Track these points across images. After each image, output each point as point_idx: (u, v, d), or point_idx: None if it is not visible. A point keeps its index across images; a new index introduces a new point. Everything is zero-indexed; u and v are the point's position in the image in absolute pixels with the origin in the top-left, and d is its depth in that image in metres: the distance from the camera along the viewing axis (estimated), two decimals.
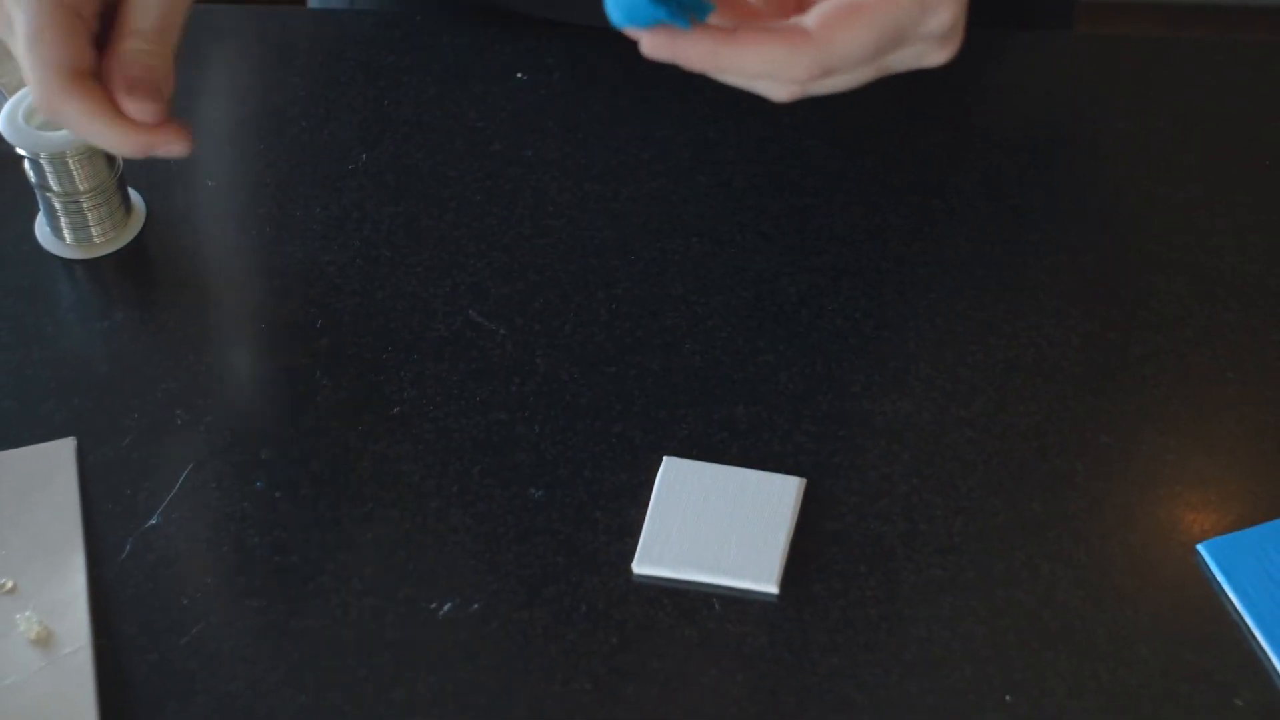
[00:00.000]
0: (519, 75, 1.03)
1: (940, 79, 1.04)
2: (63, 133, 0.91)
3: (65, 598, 0.80)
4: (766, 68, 0.74)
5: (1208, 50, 1.07)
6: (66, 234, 0.94)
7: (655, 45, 0.73)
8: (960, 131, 1.01)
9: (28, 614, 0.80)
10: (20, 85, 0.99)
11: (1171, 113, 1.02)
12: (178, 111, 1.02)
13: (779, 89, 0.75)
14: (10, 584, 0.81)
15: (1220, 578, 0.80)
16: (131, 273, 0.94)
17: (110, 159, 0.93)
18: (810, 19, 0.73)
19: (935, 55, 0.77)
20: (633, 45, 1.04)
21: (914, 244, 0.94)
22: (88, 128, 0.78)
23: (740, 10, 0.76)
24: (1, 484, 0.85)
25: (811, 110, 1.01)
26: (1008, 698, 0.77)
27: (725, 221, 0.95)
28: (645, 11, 0.72)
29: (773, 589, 0.80)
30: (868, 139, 1.00)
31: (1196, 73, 1.05)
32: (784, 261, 0.93)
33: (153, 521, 0.83)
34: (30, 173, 0.93)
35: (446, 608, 0.80)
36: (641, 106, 1.02)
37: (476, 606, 0.80)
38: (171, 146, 0.78)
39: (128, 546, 0.82)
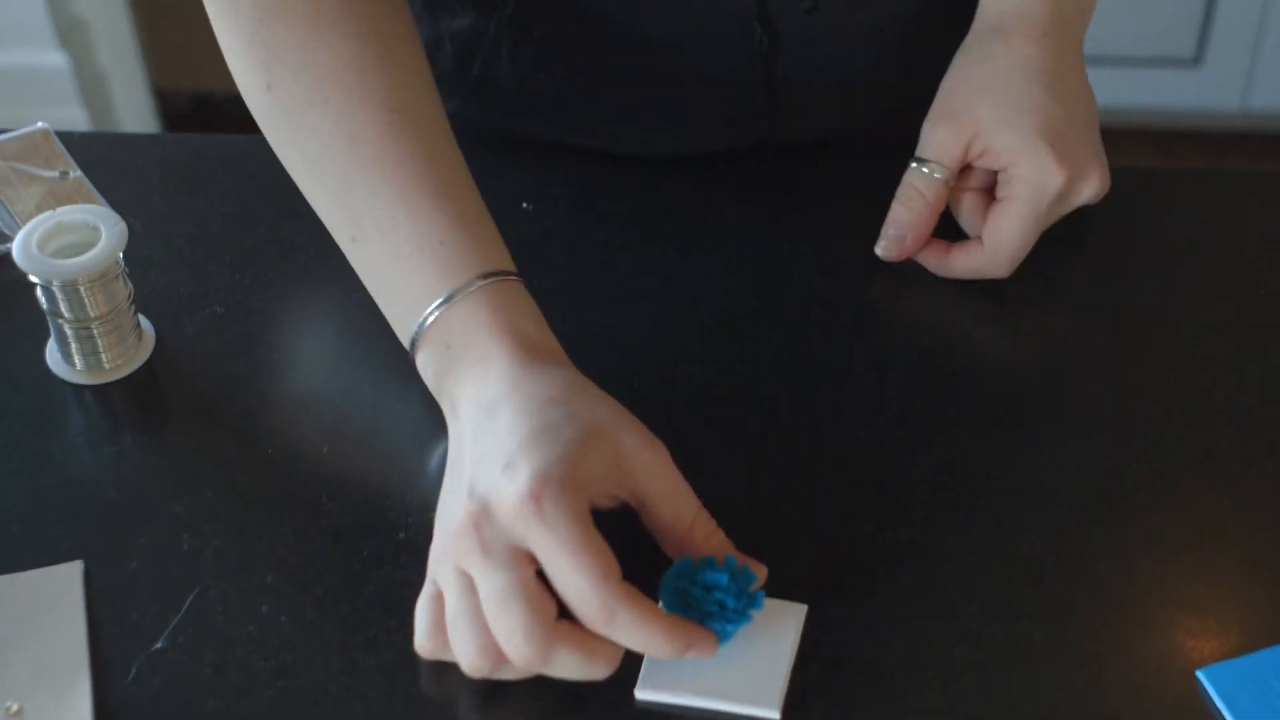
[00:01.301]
0: (525, 205, 1.05)
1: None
2: (75, 260, 0.92)
3: None
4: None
5: (1202, 180, 1.09)
6: (77, 359, 0.95)
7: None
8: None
9: None
10: (35, 213, 1.00)
11: (1166, 243, 1.04)
12: (184, 237, 1.04)
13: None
14: (16, 707, 0.81)
15: (1220, 704, 0.80)
16: (140, 398, 0.95)
17: (123, 286, 0.94)
18: (985, 231, 0.99)
19: (1082, 193, 0.99)
20: (638, 173, 1.06)
21: (916, 374, 0.96)
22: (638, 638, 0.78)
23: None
24: (8, 607, 0.85)
25: (811, 244, 1.03)
26: None
27: (728, 350, 0.97)
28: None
29: (775, 715, 0.80)
30: (866, 271, 1.01)
31: (1190, 202, 1.06)
32: (785, 389, 0.94)
33: (159, 645, 0.84)
34: (42, 299, 0.94)
35: None
36: (645, 236, 1.04)
37: None
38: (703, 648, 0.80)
39: (134, 670, 0.83)
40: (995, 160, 0.98)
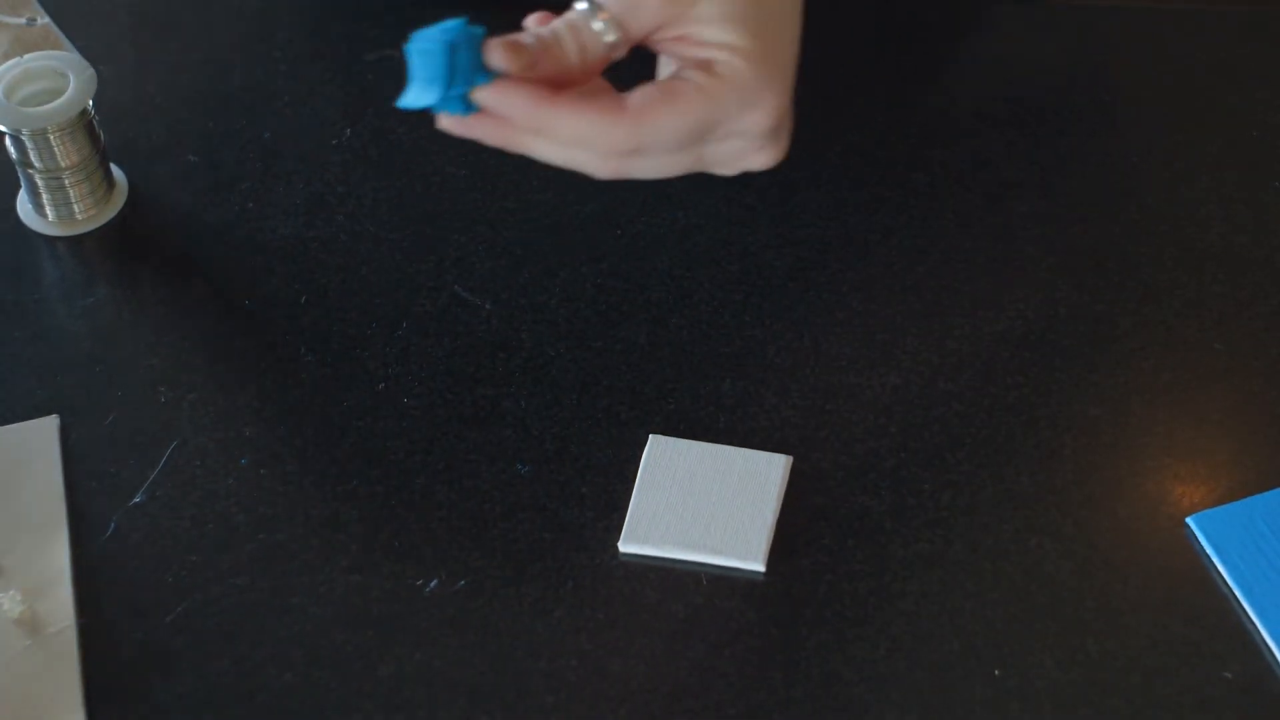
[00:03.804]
0: None
1: (924, 51, 1.04)
2: (44, 108, 0.90)
3: (49, 577, 0.80)
4: (582, 133, 0.75)
5: (1191, 20, 1.06)
6: (49, 210, 0.94)
7: (479, 97, 0.74)
8: (946, 106, 1.00)
9: (12, 594, 0.79)
10: (1, 61, 0.98)
11: (1155, 84, 1.01)
12: (156, 85, 1.02)
13: (596, 162, 0.76)
14: None
15: (1209, 550, 0.80)
16: (114, 249, 0.94)
17: (93, 135, 0.93)
18: (631, 96, 0.75)
19: (757, 157, 0.79)
20: None
21: (900, 217, 0.94)
22: None
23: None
24: None
25: (799, 87, 1.01)
26: (996, 671, 0.77)
27: (711, 195, 0.95)
28: (439, 84, 0.73)
29: (760, 566, 0.80)
30: (854, 113, 1.00)
31: (1180, 43, 1.04)
32: (770, 235, 0.93)
33: (137, 500, 0.83)
34: (11, 149, 0.92)
35: (432, 584, 0.80)
36: (627, 80, 1.01)
37: (463, 583, 0.80)
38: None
39: (111, 525, 0.82)
40: (691, 51, 0.76)
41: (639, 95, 0.75)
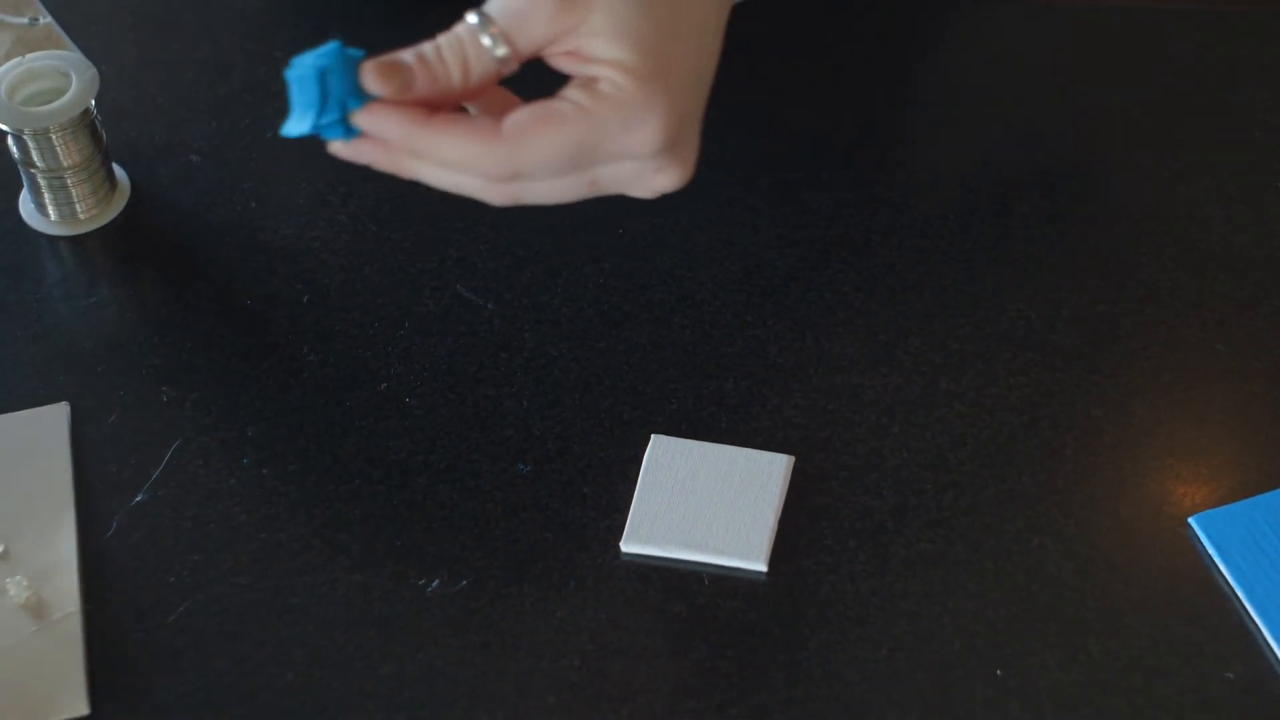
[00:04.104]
0: None
1: (925, 51, 1.04)
2: (47, 108, 0.90)
3: (55, 562, 0.80)
4: (457, 156, 0.73)
5: (1191, 20, 1.06)
6: (51, 210, 0.94)
7: (357, 121, 0.72)
8: (947, 106, 1.00)
9: (18, 579, 0.79)
10: (3, 60, 0.98)
11: (1158, 84, 1.01)
12: (158, 84, 1.02)
13: (482, 187, 0.74)
14: (1, 547, 0.81)
15: (1211, 550, 0.80)
16: (116, 249, 0.94)
17: (95, 134, 0.93)
18: (509, 118, 0.72)
19: (657, 179, 0.75)
20: None
21: (902, 217, 0.94)
22: None
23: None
24: None
25: (800, 87, 1.01)
26: (998, 671, 0.77)
27: (713, 195, 0.95)
28: (313, 110, 0.72)
29: (761, 566, 0.80)
30: (856, 113, 1.00)
31: (1181, 43, 1.04)
32: (772, 235, 0.93)
33: (139, 498, 0.83)
34: (14, 148, 0.92)
35: (434, 584, 0.80)
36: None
37: (465, 583, 0.80)
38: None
39: (114, 524, 0.82)
40: (579, 67, 0.73)
41: (515, 117, 0.72)
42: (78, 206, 0.94)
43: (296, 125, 0.73)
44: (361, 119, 0.72)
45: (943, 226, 0.94)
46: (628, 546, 0.81)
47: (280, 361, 0.88)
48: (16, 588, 0.79)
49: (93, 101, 0.91)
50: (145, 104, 1.01)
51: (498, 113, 0.73)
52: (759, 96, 1.00)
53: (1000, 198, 0.96)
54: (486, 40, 0.72)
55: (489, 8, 0.72)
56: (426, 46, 0.73)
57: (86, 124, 0.92)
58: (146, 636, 0.78)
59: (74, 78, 0.91)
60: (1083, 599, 0.79)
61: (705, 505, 0.81)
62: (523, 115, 0.72)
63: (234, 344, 0.89)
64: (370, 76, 0.72)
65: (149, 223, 0.95)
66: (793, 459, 0.83)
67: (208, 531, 0.82)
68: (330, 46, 0.72)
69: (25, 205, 0.95)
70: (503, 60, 0.72)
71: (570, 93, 0.72)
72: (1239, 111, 1.00)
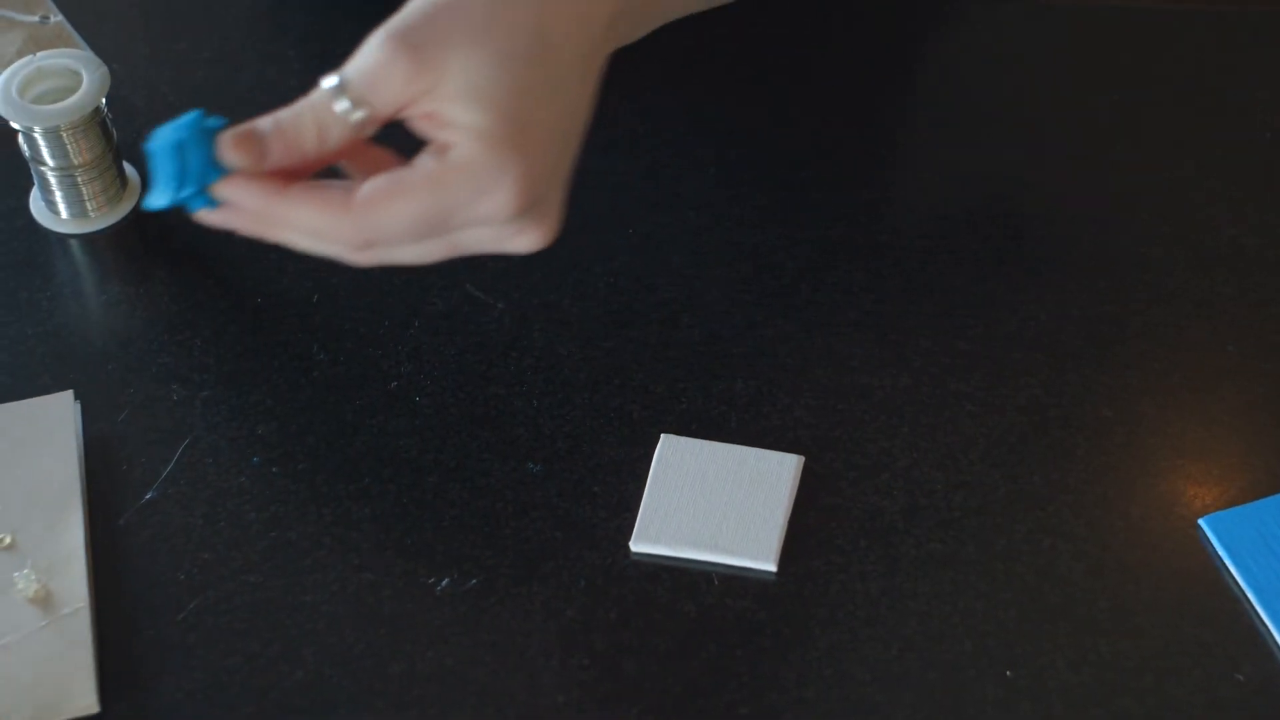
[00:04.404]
0: None
1: (932, 51, 1.04)
2: (57, 106, 0.90)
3: (63, 555, 0.80)
4: (313, 228, 0.73)
5: (1201, 20, 1.06)
6: (61, 208, 0.94)
7: (216, 192, 0.73)
8: (954, 106, 1.00)
9: (26, 572, 0.79)
10: (14, 59, 0.98)
11: (1165, 85, 1.01)
12: (168, 82, 1.02)
13: (342, 252, 0.75)
14: (8, 539, 0.81)
15: (1221, 552, 0.80)
16: (127, 247, 0.94)
17: (106, 132, 0.93)
18: (362, 188, 0.72)
19: (515, 241, 0.74)
20: None
21: (910, 217, 0.94)
22: None
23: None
24: (0, 437, 0.84)
25: (807, 86, 1.01)
26: (1008, 672, 0.77)
27: (722, 195, 0.95)
28: (172, 184, 0.73)
29: (771, 566, 0.80)
30: (865, 113, 1.00)
31: (1190, 44, 1.04)
32: (781, 235, 0.93)
33: (149, 496, 0.83)
34: (24, 146, 0.92)
35: (444, 583, 0.80)
36: (636, 80, 1.01)
37: (474, 582, 0.80)
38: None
39: (123, 521, 0.82)
40: (436, 131, 0.72)
41: (367, 188, 0.72)
42: (88, 204, 0.94)
43: (157, 198, 0.74)
44: (220, 191, 0.73)
45: (951, 227, 0.94)
46: (637, 546, 0.81)
47: (290, 360, 0.88)
48: (24, 581, 0.79)
49: (103, 100, 0.91)
50: (156, 102, 1.01)
51: (370, 171, 0.73)
52: (765, 97, 1.00)
53: (1008, 198, 0.96)
54: (342, 105, 0.72)
55: (346, 70, 0.72)
56: (284, 114, 0.73)
57: (97, 122, 0.92)
58: (156, 633, 0.78)
59: (85, 76, 0.91)
60: (1093, 600, 0.79)
61: (715, 505, 0.81)
62: (374, 186, 0.72)
63: (244, 342, 0.89)
64: (226, 149, 0.73)
65: (159, 221, 0.95)
66: (802, 459, 0.83)
67: (218, 529, 0.82)
68: (188, 118, 0.73)
69: (36, 203, 0.95)
70: (359, 124, 0.72)
71: (423, 160, 0.72)
72: (1247, 112, 1.00)
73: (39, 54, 0.93)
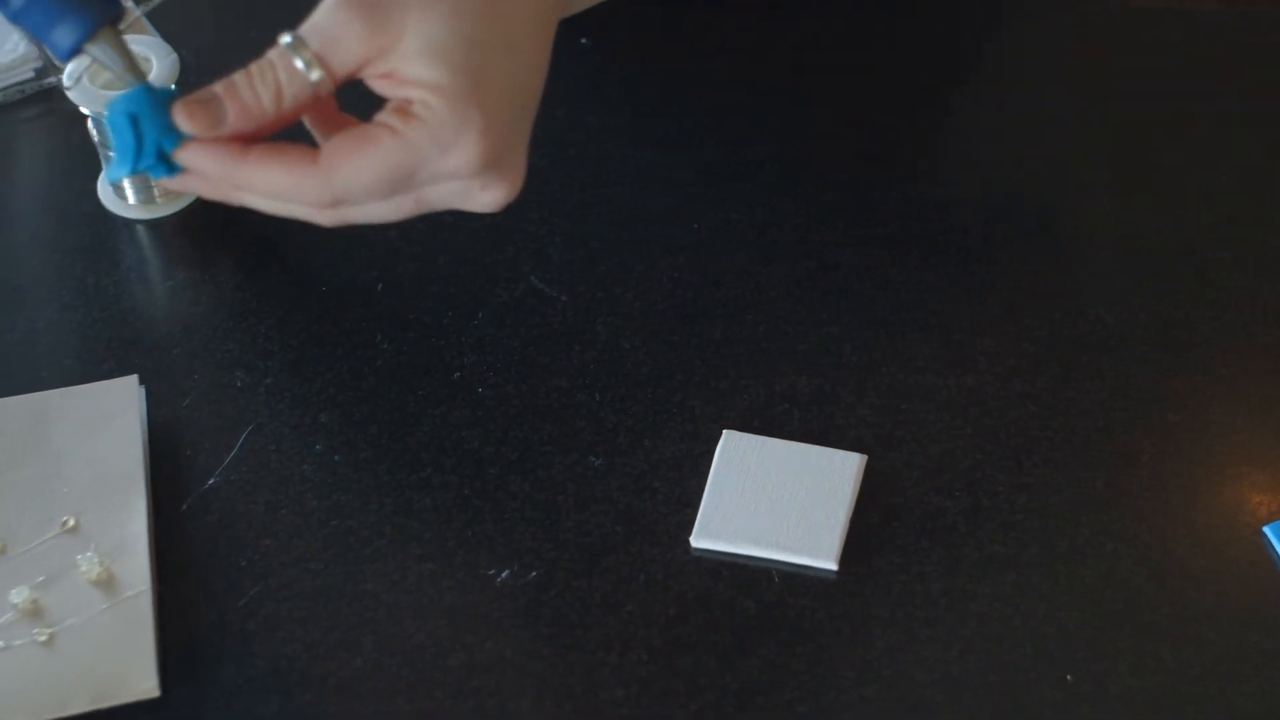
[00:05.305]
0: (583, 40, 1.03)
1: (1005, 53, 1.03)
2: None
3: (127, 538, 0.80)
4: (276, 188, 0.73)
5: (1264, 22, 1.05)
6: (129, 194, 0.94)
7: (176, 158, 0.73)
8: (1025, 104, 1.00)
9: (90, 554, 0.79)
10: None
11: (1231, 87, 1.01)
12: (237, 69, 1.02)
13: (308, 213, 0.74)
14: (72, 521, 0.81)
15: None
16: (193, 233, 0.94)
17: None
18: (325, 146, 0.72)
19: (481, 196, 0.74)
20: (695, 16, 1.04)
21: (977, 218, 0.94)
22: None
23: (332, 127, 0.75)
24: (65, 420, 0.85)
25: (872, 87, 1.00)
26: (1069, 676, 0.76)
27: (787, 191, 0.95)
28: (130, 154, 0.73)
29: (832, 565, 0.79)
30: (930, 111, 0.99)
31: (1255, 46, 1.03)
32: (845, 232, 0.93)
33: (212, 481, 0.83)
34: (94, 132, 0.93)
35: (504, 575, 0.80)
36: (703, 75, 1.01)
37: (535, 574, 0.80)
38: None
39: (186, 507, 0.82)
40: (395, 89, 0.72)
41: (330, 145, 0.72)
42: (155, 191, 0.94)
43: (118, 169, 0.74)
44: (179, 158, 0.73)
45: (1018, 227, 0.93)
46: (698, 542, 0.81)
47: (354, 349, 0.88)
48: (88, 563, 0.79)
49: (173, 86, 0.92)
50: None
51: (332, 132, 0.73)
52: (829, 94, 1.00)
53: (1077, 200, 0.95)
54: (299, 63, 0.72)
55: (302, 28, 0.72)
56: (237, 75, 0.73)
57: None
58: (217, 618, 0.79)
59: (154, 62, 0.92)
60: (1156, 605, 0.78)
61: (776, 502, 0.81)
62: (337, 143, 0.72)
63: (308, 330, 0.89)
64: (180, 116, 0.72)
65: (225, 209, 0.94)
66: (865, 458, 0.83)
67: (280, 516, 0.82)
68: (138, 88, 0.73)
69: (104, 189, 0.95)
70: (317, 83, 0.72)
71: (385, 117, 0.72)
72: None
73: None
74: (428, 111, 0.71)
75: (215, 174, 0.73)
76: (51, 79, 1.00)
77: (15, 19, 0.74)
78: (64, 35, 0.74)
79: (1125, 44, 1.03)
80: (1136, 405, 0.85)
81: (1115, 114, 0.99)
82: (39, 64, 1.00)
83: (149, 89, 0.74)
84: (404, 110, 0.72)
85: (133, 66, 0.75)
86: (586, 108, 0.98)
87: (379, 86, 0.73)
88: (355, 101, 0.74)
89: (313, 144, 0.74)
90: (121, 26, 0.76)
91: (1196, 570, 0.79)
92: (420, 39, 0.71)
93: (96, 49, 0.75)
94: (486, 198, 0.74)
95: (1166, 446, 0.84)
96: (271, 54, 0.73)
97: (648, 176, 0.95)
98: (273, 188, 0.73)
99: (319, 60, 0.72)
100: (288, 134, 0.74)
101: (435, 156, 0.72)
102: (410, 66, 0.71)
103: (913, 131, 0.98)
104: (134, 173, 0.74)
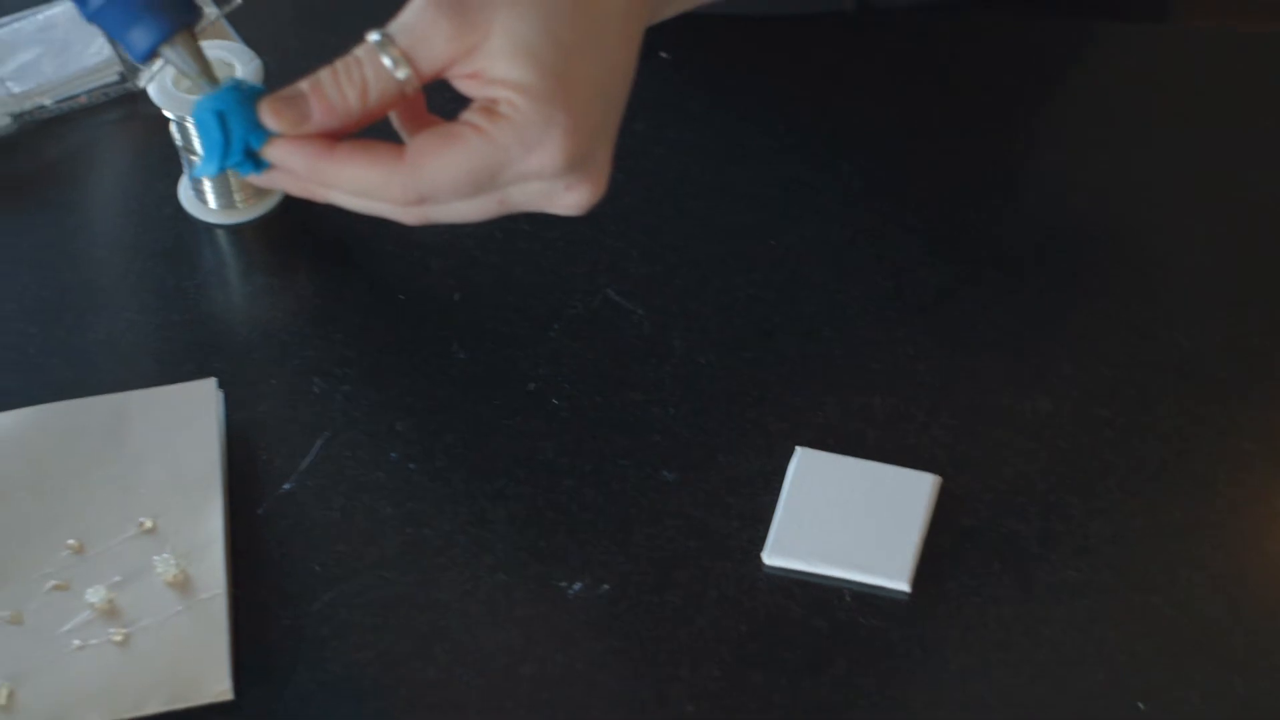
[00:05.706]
0: (662, 54, 1.03)
1: (1077, 71, 1.03)
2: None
3: (203, 540, 0.81)
4: (362, 185, 0.73)
5: None
6: (210, 198, 0.95)
7: (263, 154, 0.74)
8: (1103, 127, 0.99)
9: (166, 556, 0.80)
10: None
11: None
12: None
13: (393, 211, 0.75)
14: (149, 523, 0.82)
15: None
16: (273, 239, 0.95)
17: None
18: (411, 143, 0.73)
19: (565, 198, 0.75)
20: (775, 31, 1.04)
21: (1056, 239, 0.93)
22: None
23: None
24: (144, 421, 0.85)
25: (952, 106, 1.00)
26: (1141, 705, 0.76)
27: (866, 209, 0.94)
28: (218, 152, 0.74)
29: (905, 586, 0.79)
30: (1009, 131, 0.99)
31: None
32: (924, 251, 0.92)
33: (287, 486, 0.84)
34: (176, 136, 0.93)
35: (577, 587, 0.80)
36: (784, 91, 1.01)
37: (607, 587, 0.80)
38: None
39: (262, 510, 0.83)
40: (481, 89, 0.73)
41: (417, 142, 0.73)
42: (236, 195, 0.95)
43: (206, 167, 0.75)
44: (266, 153, 0.74)
45: (1096, 250, 0.93)
46: (770, 559, 0.81)
47: (430, 358, 0.89)
48: (164, 565, 0.80)
49: (260, 85, 0.92)
50: None
51: (418, 130, 0.74)
52: (909, 112, 0.99)
53: (1157, 224, 0.95)
54: (386, 61, 0.72)
55: (390, 27, 0.73)
56: (323, 73, 0.74)
57: None
58: (291, 623, 0.79)
59: (238, 67, 0.92)
60: (1231, 636, 0.78)
61: (849, 521, 0.81)
62: (423, 141, 0.73)
63: (385, 338, 0.90)
64: (266, 113, 0.73)
65: (305, 214, 0.96)
66: (939, 479, 0.83)
67: (354, 523, 0.83)
68: (226, 86, 0.75)
69: (185, 192, 0.96)
70: (404, 82, 0.73)
71: (470, 116, 0.73)
72: None
73: None
74: (514, 111, 0.72)
75: (302, 170, 0.74)
76: (135, 82, 1.01)
77: (93, 18, 0.75)
78: (140, 38, 0.75)
79: (1213, 67, 1.02)
80: (1213, 432, 0.85)
81: (1198, 138, 0.98)
82: (123, 67, 1.01)
83: (237, 87, 0.75)
84: (490, 109, 0.72)
85: (207, 71, 0.76)
86: (666, 122, 0.99)
87: (465, 86, 0.73)
88: (443, 105, 0.75)
89: (399, 142, 0.74)
90: (200, 29, 0.78)
91: (1272, 601, 0.79)
92: (507, 38, 0.71)
93: (172, 52, 0.76)
94: (570, 199, 0.75)
95: (1242, 475, 0.83)
96: (359, 51, 0.73)
97: (726, 192, 0.95)
98: (358, 184, 0.74)
99: (406, 58, 0.72)
100: (376, 132, 0.75)
101: (520, 156, 0.72)
102: (497, 66, 0.72)
103: (994, 153, 0.97)
104: (221, 170, 0.75)
